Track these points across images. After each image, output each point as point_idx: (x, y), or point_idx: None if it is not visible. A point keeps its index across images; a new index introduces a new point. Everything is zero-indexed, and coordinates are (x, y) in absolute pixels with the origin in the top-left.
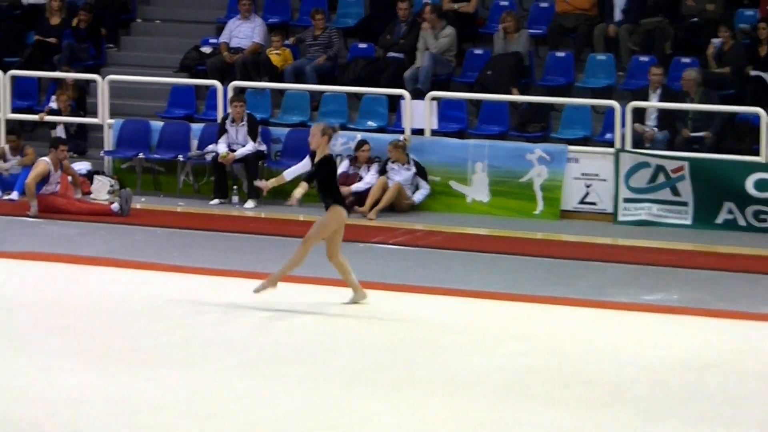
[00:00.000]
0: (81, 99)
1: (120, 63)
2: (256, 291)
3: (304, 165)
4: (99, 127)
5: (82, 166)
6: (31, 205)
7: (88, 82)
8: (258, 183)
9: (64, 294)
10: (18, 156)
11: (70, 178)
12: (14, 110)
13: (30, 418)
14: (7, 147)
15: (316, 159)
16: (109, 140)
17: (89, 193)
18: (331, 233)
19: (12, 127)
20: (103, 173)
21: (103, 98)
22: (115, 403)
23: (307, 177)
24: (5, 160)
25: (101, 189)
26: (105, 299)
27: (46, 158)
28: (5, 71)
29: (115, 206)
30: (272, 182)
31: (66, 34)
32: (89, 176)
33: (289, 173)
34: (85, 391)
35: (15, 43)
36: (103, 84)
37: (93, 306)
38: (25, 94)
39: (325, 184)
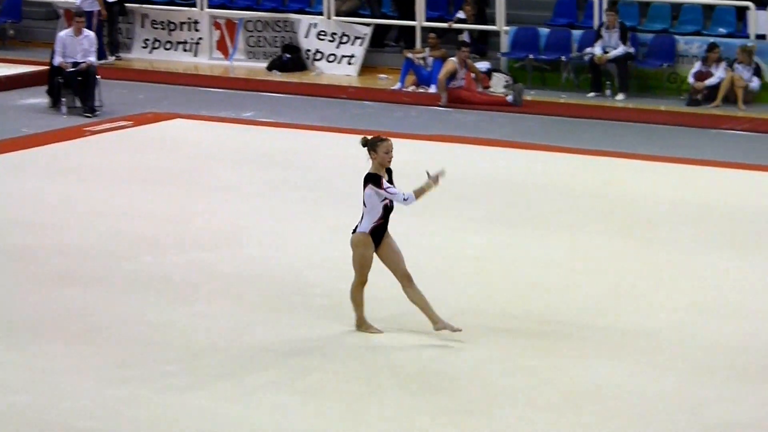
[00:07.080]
0: (481, 10)
1: None
2: (442, 329)
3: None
4: (497, 33)
5: (483, 65)
6: (442, 97)
7: None
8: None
9: (464, 172)
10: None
11: (473, 74)
12: (428, 19)
13: None
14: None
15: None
16: (505, 44)
17: (488, 87)
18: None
19: None
20: (499, 71)
21: (500, 9)
22: None
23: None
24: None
25: (498, 84)
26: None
27: (453, 58)
28: None
29: (510, 98)
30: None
31: None
32: (488, 73)
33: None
34: None
35: None
36: None
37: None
38: (436, 5)
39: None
